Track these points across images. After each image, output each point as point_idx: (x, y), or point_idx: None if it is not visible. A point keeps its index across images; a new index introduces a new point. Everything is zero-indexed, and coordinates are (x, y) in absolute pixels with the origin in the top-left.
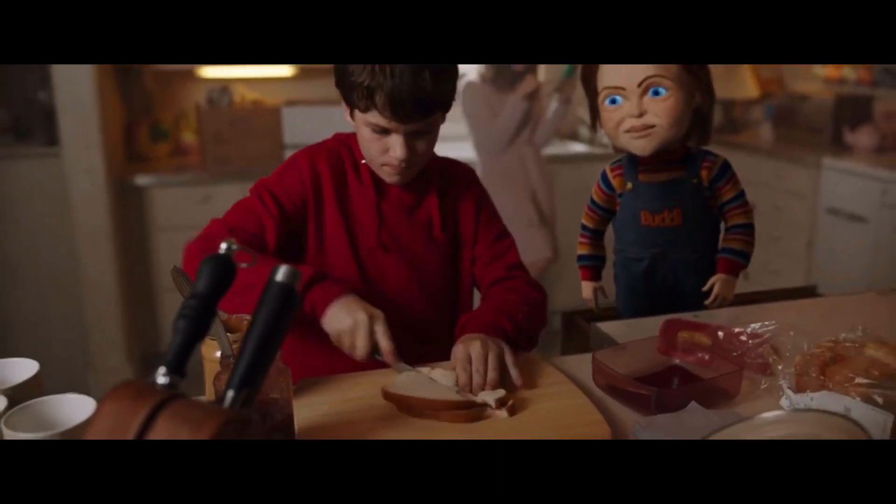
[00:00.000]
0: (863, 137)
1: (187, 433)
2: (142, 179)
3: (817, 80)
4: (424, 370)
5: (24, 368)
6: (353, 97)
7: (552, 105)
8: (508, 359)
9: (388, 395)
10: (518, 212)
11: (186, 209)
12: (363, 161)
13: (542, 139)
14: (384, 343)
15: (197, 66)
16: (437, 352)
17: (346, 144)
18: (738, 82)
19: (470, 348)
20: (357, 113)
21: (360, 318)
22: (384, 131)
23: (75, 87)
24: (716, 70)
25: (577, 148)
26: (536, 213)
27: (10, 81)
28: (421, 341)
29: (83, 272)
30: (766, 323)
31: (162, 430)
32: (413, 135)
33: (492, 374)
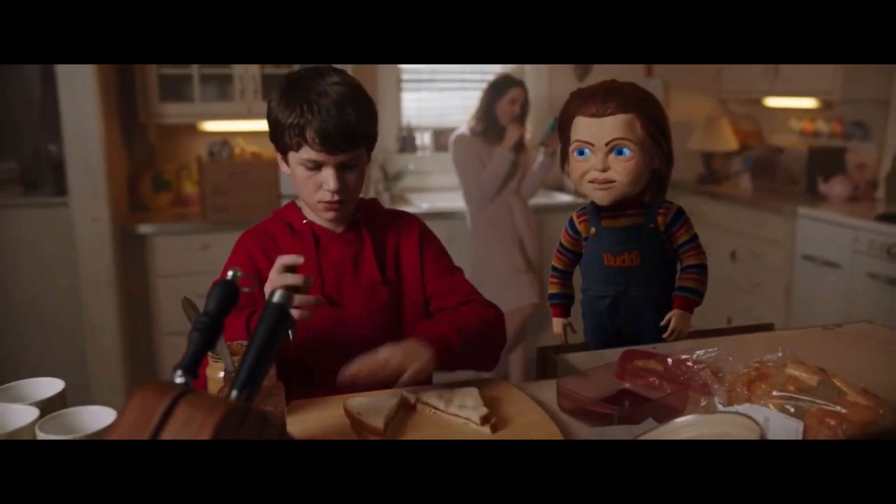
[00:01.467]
0: (836, 187)
1: (201, 417)
2: (144, 228)
3: (793, 133)
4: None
5: (51, 386)
6: (286, 138)
7: (538, 158)
8: (404, 377)
9: (346, 411)
10: (506, 259)
11: (186, 257)
12: (304, 221)
13: (528, 190)
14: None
15: (199, 120)
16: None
17: (280, 217)
18: (719, 135)
19: (390, 356)
20: (291, 156)
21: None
22: (317, 166)
23: (83, 139)
24: (697, 125)
25: (563, 198)
26: (523, 260)
27: (20, 135)
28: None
29: (86, 316)
30: (709, 350)
31: (181, 415)
32: (343, 167)
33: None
